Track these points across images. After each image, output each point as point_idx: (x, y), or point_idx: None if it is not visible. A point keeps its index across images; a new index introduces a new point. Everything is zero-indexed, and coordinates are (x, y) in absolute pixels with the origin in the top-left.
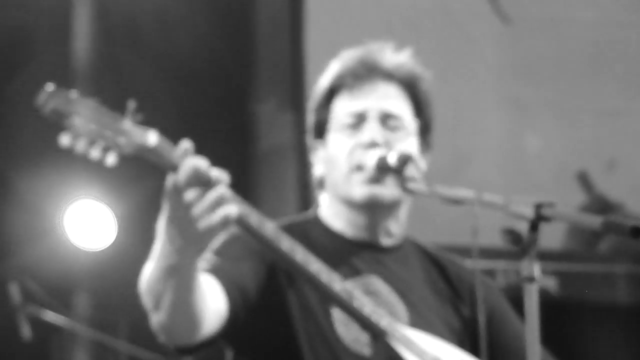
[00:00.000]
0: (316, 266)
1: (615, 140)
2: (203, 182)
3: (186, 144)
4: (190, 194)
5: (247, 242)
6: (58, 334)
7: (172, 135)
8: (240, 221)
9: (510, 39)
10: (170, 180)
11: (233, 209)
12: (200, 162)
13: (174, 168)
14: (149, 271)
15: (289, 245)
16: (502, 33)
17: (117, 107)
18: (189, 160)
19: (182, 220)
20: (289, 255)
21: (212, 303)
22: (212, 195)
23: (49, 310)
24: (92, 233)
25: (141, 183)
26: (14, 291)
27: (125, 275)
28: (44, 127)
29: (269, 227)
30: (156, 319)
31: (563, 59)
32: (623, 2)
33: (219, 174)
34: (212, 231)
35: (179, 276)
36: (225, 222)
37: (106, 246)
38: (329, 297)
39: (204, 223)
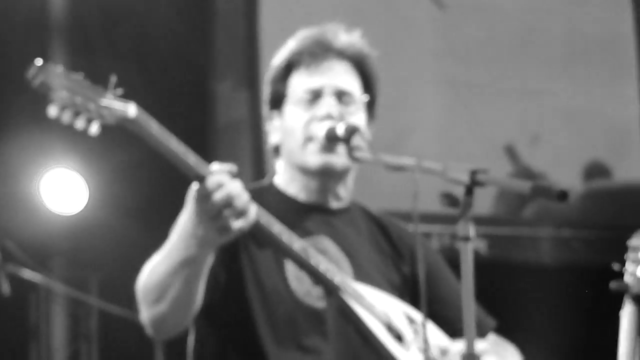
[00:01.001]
0: (277, 227)
1: (538, 117)
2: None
3: (215, 166)
4: (217, 200)
5: None
6: (35, 290)
7: (141, 109)
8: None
9: (445, 24)
10: (197, 187)
11: (252, 214)
12: (225, 178)
13: (201, 179)
14: (156, 266)
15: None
16: (438, 18)
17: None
18: (216, 176)
19: (207, 220)
20: (258, 219)
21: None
22: (239, 203)
23: (27, 268)
24: (65, 199)
25: (110, 153)
26: None
27: (96, 237)
28: (22, 99)
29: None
30: (153, 312)
31: (493, 42)
32: None
33: (238, 186)
34: (236, 231)
35: (193, 267)
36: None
37: (78, 211)
38: (288, 255)
39: (232, 225)
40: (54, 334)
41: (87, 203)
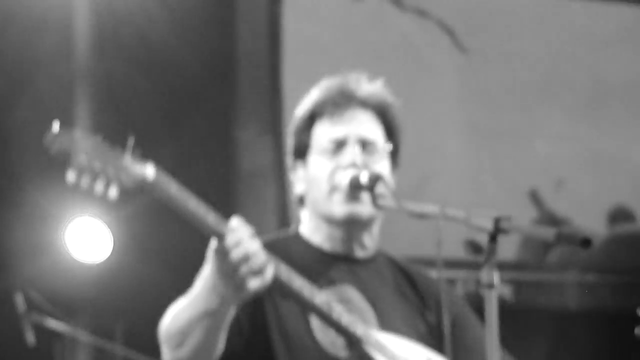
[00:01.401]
0: (299, 282)
1: (563, 162)
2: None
3: (234, 222)
4: (234, 259)
5: None
6: (60, 340)
7: (164, 159)
8: None
9: (468, 70)
10: (216, 244)
11: (270, 273)
12: (243, 237)
13: (221, 236)
14: (180, 312)
15: (276, 266)
16: (461, 64)
17: (115, 131)
18: (234, 234)
19: (225, 277)
20: (278, 276)
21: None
22: (256, 263)
23: (52, 318)
24: (90, 247)
25: (134, 203)
26: (19, 300)
27: (121, 285)
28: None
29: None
30: (175, 356)
31: (516, 88)
32: (569, 38)
33: (256, 245)
34: (253, 290)
35: (214, 319)
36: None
37: (103, 260)
38: (310, 309)
39: (249, 284)
40: None
41: (112, 251)
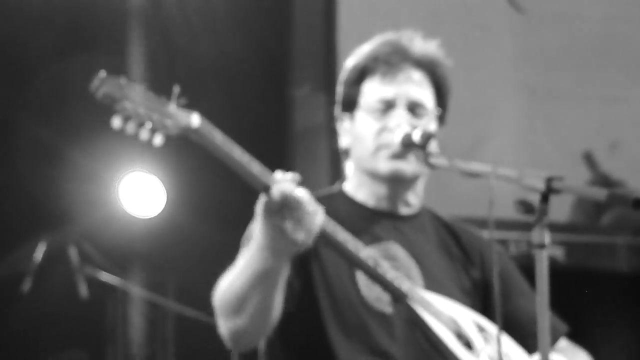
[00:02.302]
0: (342, 235)
1: (617, 124)
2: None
3: (278, 175)
4: (284, 211)
5: None
6: (113, 293)
7: (221, 117)
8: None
9: (524, 30)
10: (263, 199)
11: (320, 218)
12: (289, 186)
13: (267, 189)
14: (233, 280)
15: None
16: (516, 24)
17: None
18: (280, 185)
19: (276, 230)
20: (324, 228)
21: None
22: (305, 210)
23: (105, 271)
24: (143, 202)
25: (187, 156)
26: (73, 254)
27: (173, 240)
28: (101, 107)
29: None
30: (232, 325)
31: (572, 49)
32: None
33: (303, 193)
34: (306, 241)
35: (270, 279)
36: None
37: (156, 214)
38: (356, 264)
39: (299, 236)
40: (130, 337)
41: (165, 206)
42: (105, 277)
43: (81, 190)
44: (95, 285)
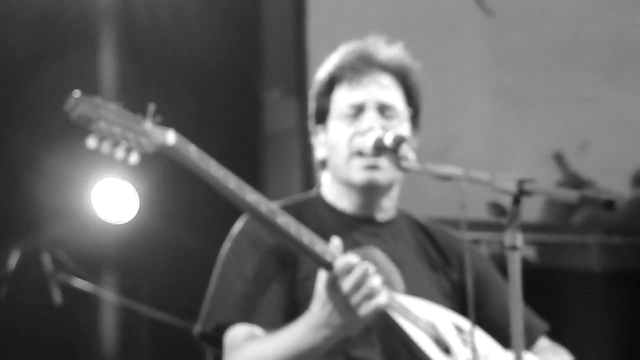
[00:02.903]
0: (321, 246)
1: (587, 124)
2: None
3: (336, 241)
4: (347, 285)
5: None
6: (86, 299)
7: (191, 121)
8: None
9: (493, 32)
10: (325, 276)
11: (383, 297)
12: (352, 259)
13: (329, 267)
14: (269, 349)
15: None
16: (486, 27)
17: (142, 100)
18: (343, 258)
19: (340, 307)
20: (301, 243)
21: None
22: (367, 287)
23: (78, 278)
24: (116, 208)
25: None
26: (46, 261)
27: (147, 245)
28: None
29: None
30: None
31: (540, 51)
32: (592, 1)
33: (367, 266)
34: (370, 316)
35: (314, 356)
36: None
37: (129, 220)
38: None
39: (362, 310)
40: (105, 343)
41: (138, 212)
42: (79, 283)
43: (53, 196)
44: (68, 291)
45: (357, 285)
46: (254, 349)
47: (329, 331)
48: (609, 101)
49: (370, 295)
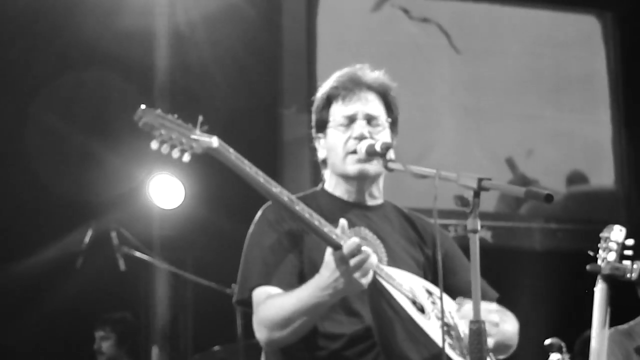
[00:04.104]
0: (328, 228)
1: (533, 136)
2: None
3: (343, 222)
4: (353, 263)
5: (274, 225)
6: (144, 267)
7: (226, 131)
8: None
9: (461, 64)
10: (334, 254)
11: (372, 273)
12: (356, 240)
13: (338, 247)
14: (286, 305)
15: (310, 214)
16: (455, 60)
17: (188, 114)
18: (351, 240)
19: (345, 277)
20: (312, 223)
21: None
22: (368, 264)
23: (138, 251)
24: (167, 197)
25: (200, 163)
26: (114, 237)
27: (190, 226)
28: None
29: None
30: (275, 336)
31: (498, 79)
32: (538, 40)
33: (368, 250)
34: (364, 286)
35: (320, 311)
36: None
37: (177, 206)
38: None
39: (363, 281)
40: (158, 301)
41: (184, 200)
42: (139, 255)
43: (120, 188)
44: (131, 261)
45: (360, 264)
46: (276, 302)
47: (333, 291)
48: (550, 118)
49: (368, 271)
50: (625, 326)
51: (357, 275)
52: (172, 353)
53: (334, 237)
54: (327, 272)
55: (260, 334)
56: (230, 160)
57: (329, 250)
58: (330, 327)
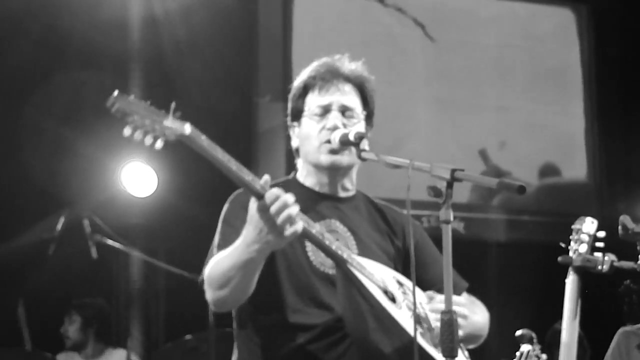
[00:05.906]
0: (303, 217)
1: (505, 128)
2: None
3: (266, 177)
4: (273, 209)
5: (245, 207)
6: (116, 255)
7: (200, 120)
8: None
9: (434, 54)
10: (256, 203)
11: (300, 224)
12: (277, 191)
13: (260, 196)
14: (222, 263)
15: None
16: (429, 51)
17: (163, 102)
18: (271, 191)
19: (267, 228)
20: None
21: None
22: (286, 213)
23: (110, 239)
24: (140, 185)
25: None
26: (86, 225)
27: (163, 214)
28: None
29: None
30: (217, 295)
31: (471, 70)
32: (513, 32)
33: (288, 197)
34: (289, 236)
35: (252, 267)
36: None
37: (149, 194)
38: (307, 237)
39: (290, 230)
40: (130, 289)
41: (156, 189)
42: (111, 243)
43: (92, 175)
44: (103, 249)
45: (280, 210)
46: (217, 262)
47: (260, 245)
48: (523, 110)
49: (289, 220)
50: (633, 327)
51: (280, 222)
52: (144, 341)
53: (257, 187)
54: (251, 226)
55: (207, 294)
56: (202, 147)
57: (252, 203)
58: (301, 319)
